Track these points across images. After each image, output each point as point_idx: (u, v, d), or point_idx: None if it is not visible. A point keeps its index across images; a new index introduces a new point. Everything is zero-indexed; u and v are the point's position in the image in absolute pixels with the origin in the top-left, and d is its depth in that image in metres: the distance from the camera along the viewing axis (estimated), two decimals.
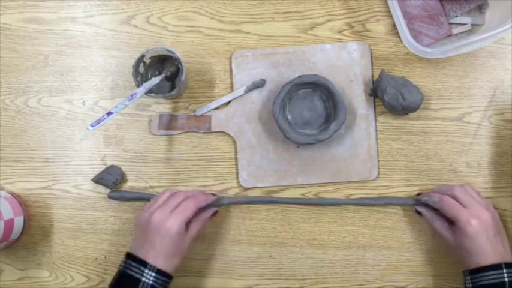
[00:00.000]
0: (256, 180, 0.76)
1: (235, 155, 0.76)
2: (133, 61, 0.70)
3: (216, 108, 0.77)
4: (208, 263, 0.76)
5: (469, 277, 0.65)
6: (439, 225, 0.70)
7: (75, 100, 0.77)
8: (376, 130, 0.76)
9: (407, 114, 0.75)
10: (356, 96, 0.76)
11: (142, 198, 0.76)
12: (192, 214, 0.67)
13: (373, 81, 0.76)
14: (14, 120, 0.77)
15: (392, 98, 0.72)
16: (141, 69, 0.73)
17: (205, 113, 0.76)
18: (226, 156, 0.77)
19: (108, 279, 0.75)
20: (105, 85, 0.77)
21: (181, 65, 0.71)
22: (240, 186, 0.76)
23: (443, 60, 0.77)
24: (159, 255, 0.64)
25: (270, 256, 0.76)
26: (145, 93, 0.71)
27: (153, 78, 0.71)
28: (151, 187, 0.77)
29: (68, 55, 0.78)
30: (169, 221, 0.65)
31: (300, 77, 0.73)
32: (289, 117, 0.74)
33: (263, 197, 0.76)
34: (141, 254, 0.65)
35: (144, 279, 0.63)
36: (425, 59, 0.76)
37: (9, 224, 0.72)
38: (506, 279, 0.62)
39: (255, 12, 0.78)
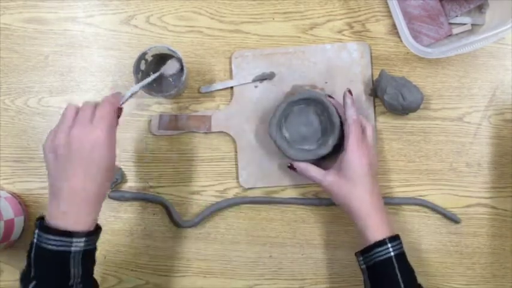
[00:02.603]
0: (256, 180, 0.76)
1: (235, 155, 0.76)
2: (133, 61, 0.70)
3: (217, 108, 0.77)
4: (208, 263, 0.76)
5: (361, 257, 0.65)
6: (315, 171, 0.69)
7: (75, 100, 0.77)
8: (376, 130, 0.76)
9: (407, 114, 0.75)
10: (356, 96, 0.76)
11: (143, 198, 0.76)
12: (113, 118, 0.58)
13: (373, 81, 0.76)
14: (14, 120, 0.77)
15: (392, 98, 0.72)
16: (143, 66, 0.73)
17: (209, 92, 0.76)
18: (226, 156, 0.77)
19: (109, 279, 0.76)
20: (105, 85, 0.77)
21: (182, 65, 0.71)
22: (240, 186, 0.76)
23: (443, 60, 0.77)
24: (87, 201, 0.55)
25: (270, 256, 0.76)
26: (146, 93, 0.71)
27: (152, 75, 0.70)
28: (151, 187, 0.77)
29: (68, 55, 0.78)
30: (94, 132, 0.55)
31: (293, 95, 0.72)
32: (286, 135, 0.74)
33: (263, 197, 0.76)
34: (60, 215, 0.55)
35: (73, 249, 0.54)
36: (425, 59, 0.76)
37: (9, 224, 0.72)
38: (392, 254, 0.62)
39: (255, 12, 0.78)
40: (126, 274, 0.76)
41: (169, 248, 0.76)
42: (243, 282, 0.76)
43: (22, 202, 0.76)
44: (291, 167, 0.71)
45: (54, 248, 0.54)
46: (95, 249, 0.58)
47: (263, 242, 0.76)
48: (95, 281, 0.60)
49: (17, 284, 0.76)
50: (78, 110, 0.59)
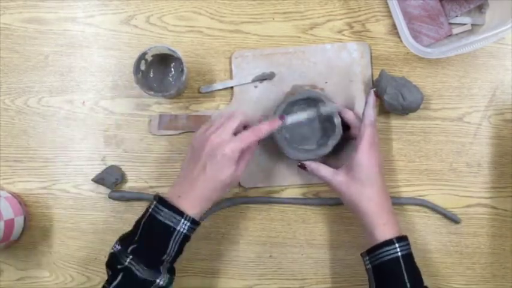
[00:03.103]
0: (256, 180, 0.76)
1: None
2: (133, 61, 0.70)
3: (217, 108, 0.77)
4: (208, 263, 0.76)
5: (367, 257, 0.65)
6: (325, 171, 0.69)
7: (75, 100, 0.77)
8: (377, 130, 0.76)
9: (407, 114, 0.75)
10: (356, 96, 0.76)
11: (143, 198, 0.76)
12: (249, 144, 0.63)
13: (373, 81, 0.76)
14: (14, 120, 0.77)
15: (392, 98, 0.72)
16: (143, 66, 0.73)
17: (209, 92, 0.77)
18: None
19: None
20: (105, 85, 0.77)
21: (182, 65, 0.71)
22: (240, 186, 0.76)
23: (443, 60, 0.77)
24: (198, 197, 0.62)
25: (270, 256, 0.76)
26: (146, 92, 0.71)
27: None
28: (151, 187, 0.77)
29: (68, 55, 0.78)
30: (226, 147, 0.62)
31: (293, 95, 0.72)
32: (287, 135, 0.74)
33: (263, 197, 0.76)
34: (178, 196, 0.62)
35: (178, 228, 0.60)
36: (425, 59, 0.76)
37: (9, 224, 0.72)
38: (399, 254, 0.63)
39: (255, 12, 0.78)
40: None
41: None
42: (243, 282, 0.76)
43: (22, 202, 0.76)
44: (302, 166, 0.72)
45: (165, 221, 0.60)
46: (190, 238, 0.63)
47: (263, 242, 0.76)
48: (175, 268, 0.65)
49: (17, 284, 0.77)
50: (228, 119, 0.65)
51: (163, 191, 0.76)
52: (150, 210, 0.62)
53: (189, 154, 0.65)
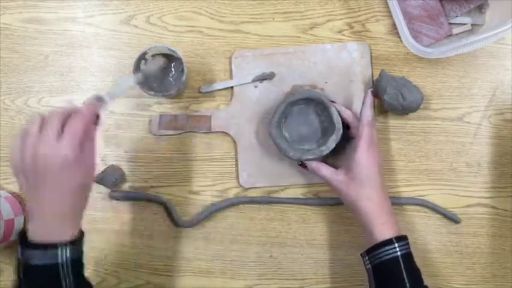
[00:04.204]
0: (256, 180, 0.76)
1: (235, 155, 0.76)
2: (133, 61, 0.70)
3: (217, 108, 0.77)
4: (208, 263, 0.76)
5: (366, 257, 0.65)
6: (326, 170, 0.69)
7: (75, 100, 0.77)
8: (376, 130, 0.76)
9: (407, 114, 0.75)
10: (356, 96, 0.76)
11: (142, 198, 0.76)
12: (83, 133, 0.53)
13: (373, 81, 0.76)
14: (14, 120, 0.77)
15: (392, 98, 0.72)
16: (143, 66, 0.73)
17: (209, 92, 0.76)
18: (226, 156, 0.77)
19: (109, 279, 0.76)
20: (105, 85, 0.77)
21: (182, 65, 0.71)
22: (240, 186, 0.76)
23: (443, 60, 0.77)
24: (64, 219, 0.54)
25: (270, 256, 0.76)
26: (146, 92, 0.71)
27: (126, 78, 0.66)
28: (151, 187, 0.77)
29: (68, 55, 0.78)
30: (61, 151, 0.51)
31: (293, 95, 0.72)
32: (286, 135, 0.74)
33: (263, 197, 0.76)
34: (40, 230, 0.54)
35: (59, 260, 0.53)
36: (425, 59, 0.76)
37: (9, 224, 0.72)
38: (398, 253, 0.63)
39: (255, 12, 0.78)
40: (126, 274, 0.76)
41: (169, 248, 0.76)
42: (243, 282, 0.76)
43: (22, 202, 0.76)
44: (302, 165, 0.72)
45: (41, 262, 0.53)
46: (82, 253, 0.58)
47: (263, 242, 0.76)
48: (87, 282, 0.59)
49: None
50: (44, 122, 0.54)
51: (164, 191, 0.76)
52: (19, 257, 0.54)
53: (21, 180, 0.54)
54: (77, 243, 0.56)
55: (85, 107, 0.57)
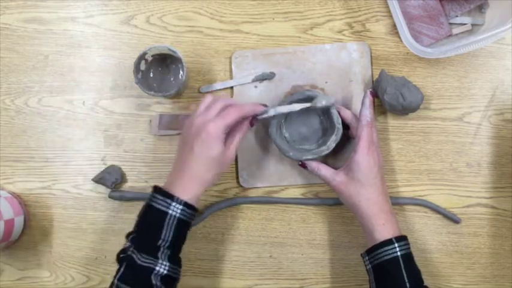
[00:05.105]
0: (256, 180, 0.76)
1: (235, 155, 0.76)
2: (133, 61, 0.70)
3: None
4: (208, 263, 0.76)
5: (366, 257, 0.65)
6: (326, 171, 0.70)
7: (75, 100, 0.77)
8: (376, 130, 0.76)
9: (407, 114, 0.75)
10: (356, 96, 0.76)
11: (143, 198, 0.76)
12: (233, 121, 0.64)
13: (373, 81, 0.76)
14: (14, 120, 0.77)
15: (392, 98, 0.72)
16: (143, 66, 0.73)
17: (209, 92, 0.76)
18: None
19: (109, 279, 0.75)
20: (105, 85, 0.77)
21: (182, 65, 0.71)
22: (240, 186, 0.76)
23: (443, 60, 0.77)
24: (190, 179, 0.63)
25: (270, 256, 0.76)
26: (146, 92, 0.71)
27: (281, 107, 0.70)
28: (152, 187, 0.76)
29: (68, 55, 0.78)
30: (209, 125, 0.62)
31: (292, 95, 0.72)
32: (286, 135, 0.74)
33: (263, 197, 0.76)
34: (171, 183, 0.63)
35: (170, 211, 0.61)
36: (425, 59, 0.76)
37: (9, 224, 0.72)
38: (398, 253, 0.63)
39: (255, 12, 0.78)
40: None
41: None
42: (243, 282, 0.76)
43: (22, 202, 0.76)
44: (302, 165, 0.72)
45: (157, 206, 0.62)
46: (188, 225, 0.64)
47: (263, 242, 0.76)
48: (180, 259, 0.65)
49: (17, 284, 0.77)
50: (210, 103, 0.66)
51: None
52: (147, 200, 0.64)
53: (179, 142, 0.67)
54: (189, 207, 0.62)
55: (247, 104, 0.68)
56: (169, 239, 0.61)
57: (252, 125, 0.67)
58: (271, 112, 0.68)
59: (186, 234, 0.64)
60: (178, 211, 0.62)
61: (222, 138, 0.63)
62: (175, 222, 0.61)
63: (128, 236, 0.64)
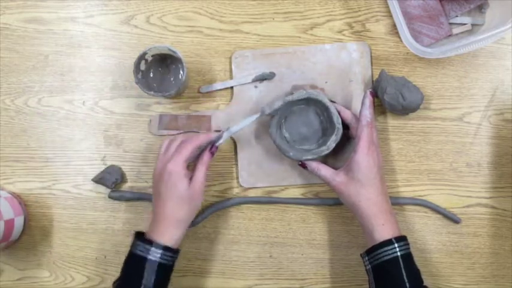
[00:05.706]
0: (256, 180, 0.76)
1: (235, 155, 0.77)
2: (133, 61, 0.70)
3: (217, 108, 0.77)
4: (208, 263, 0.76)
5: (366, 257, 0.66)
6: (326, 171, 0.70)
7: (75, 100, 0.77)
8: (376, 130, 0.76)
9: (407, 114, 0.75)
10: (356, 96, 0.76)
11: (143, 198, 0.76)
12: (189, 153, 0.65)
13: (373, 81, 0.76)
14: (14, 120, 0.77)
15: (392, 98, 0.72)
16: (143, 66, 0.73)
17: (209, 92, 0.77)
18: (226, 156, 0.77)
19: (109, 279, 0.76)
20: (105, 85, 0.77)
21: (182, 65, 0.71)
22: (240, 186, 0.76)
23: (443, 60, 0.77)
24: (165, 223, 0.64)
25: (270, 256, 0.76)
26: (146, 92, 0.71)
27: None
28: (152, 187, 0.76)
29: (68, 55, 0.78)
30: (168, 165, 0.64)
31: (292, 95, 0.72)
32: (286, 135, 0.74)
33: (263, 197, 0.76)
34: (150, 229, 0.65)
35: (150, 257, 0.62)
36: (425, 59, 0.76)
37: (9, 224, 0.72)
38: (398, 254, 0.63)
39: (255, 12, 0.78)
40: None
41: None
42: (243, 282, 0.76)
43: (22, 202, 0.76)
44: (302, 165, 0.72)
45: (138, 252, 0.63)
46: (170, 268, 0.65)
47: (263, 242, 0.76)
48: None
49: (17, 284, 0.77)
50: (170, 142, 0.68)
51: None
52: (130, 247, 0.65)
53: (152, 190, 0.68)
54: (169, 250, 0.64)
55: (201, 134, 0.69)
56: (151, 284, 0.62)
57: (212, 154, 0.68)
58: (226, 135, 0.69)
59: (169, 277, 0.65)
60: (158, 255, 0.63)
61: (185, 173, 0.65)
62: (155, 267, 0.63)
63: (114, 283, 0.65)
